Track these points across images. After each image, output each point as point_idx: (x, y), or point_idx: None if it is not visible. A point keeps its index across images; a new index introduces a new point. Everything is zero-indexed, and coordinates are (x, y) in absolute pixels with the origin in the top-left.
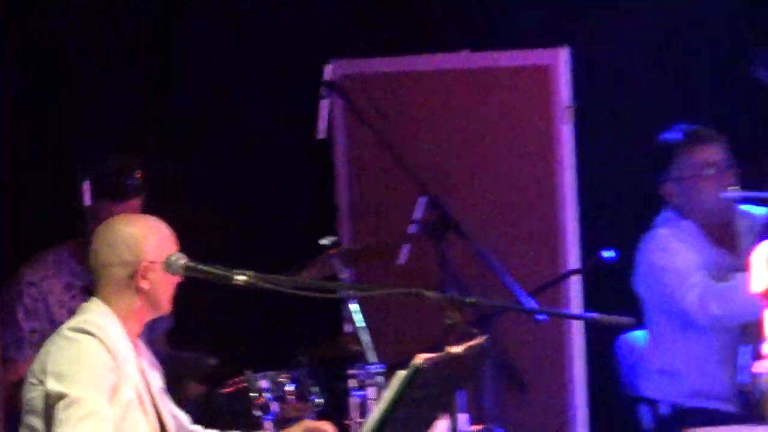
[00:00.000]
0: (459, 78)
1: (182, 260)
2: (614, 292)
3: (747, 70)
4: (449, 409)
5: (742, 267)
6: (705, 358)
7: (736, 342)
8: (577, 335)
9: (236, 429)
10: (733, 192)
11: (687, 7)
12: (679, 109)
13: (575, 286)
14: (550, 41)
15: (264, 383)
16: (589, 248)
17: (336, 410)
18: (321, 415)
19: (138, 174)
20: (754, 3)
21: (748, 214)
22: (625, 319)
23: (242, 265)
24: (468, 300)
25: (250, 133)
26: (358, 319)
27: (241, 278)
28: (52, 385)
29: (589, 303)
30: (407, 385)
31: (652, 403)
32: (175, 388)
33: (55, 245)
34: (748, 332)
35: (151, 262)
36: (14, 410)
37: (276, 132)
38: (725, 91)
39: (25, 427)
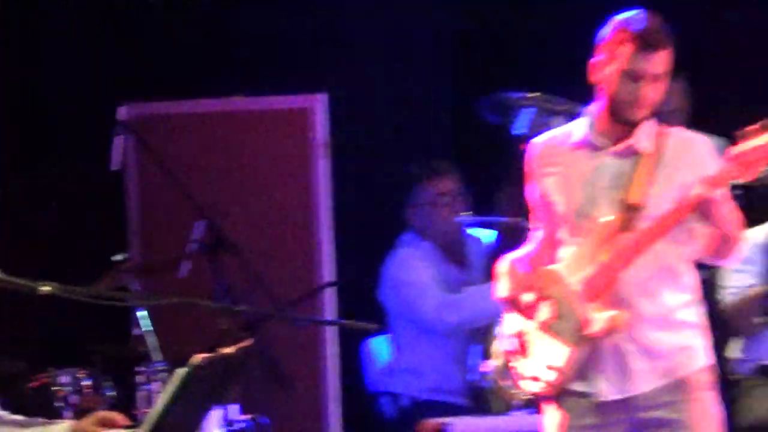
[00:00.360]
0: (233, 119)
1: None
2: (363, 302)
3: (478, 112)
4: (223, 401)
5: (472, 281)
6: (440, 358)
7: (467, 344)
8: (331, 338)
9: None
10: (465, 217)
11: (427, 60)
12: (420, 145)
13: (330, 297)
14: (311, 87)
15: (64, 378)
16: (343, 264)
17: (126, 402)
18: (113, 406)
19: None
20: None
21: (476, 237)
22: (371, 325)
23: (46, 278)
24: (238, 308)
25: (55, 164)
26: (146, 324)
27: (44, 289)
28: None
29: (342, 311)
30: (186, 380)
31: (394, 396)
32: None
33: None
34: (478, 336)
35: None
36: None
37: (77, 164)
38: (461, 130)
39: None
